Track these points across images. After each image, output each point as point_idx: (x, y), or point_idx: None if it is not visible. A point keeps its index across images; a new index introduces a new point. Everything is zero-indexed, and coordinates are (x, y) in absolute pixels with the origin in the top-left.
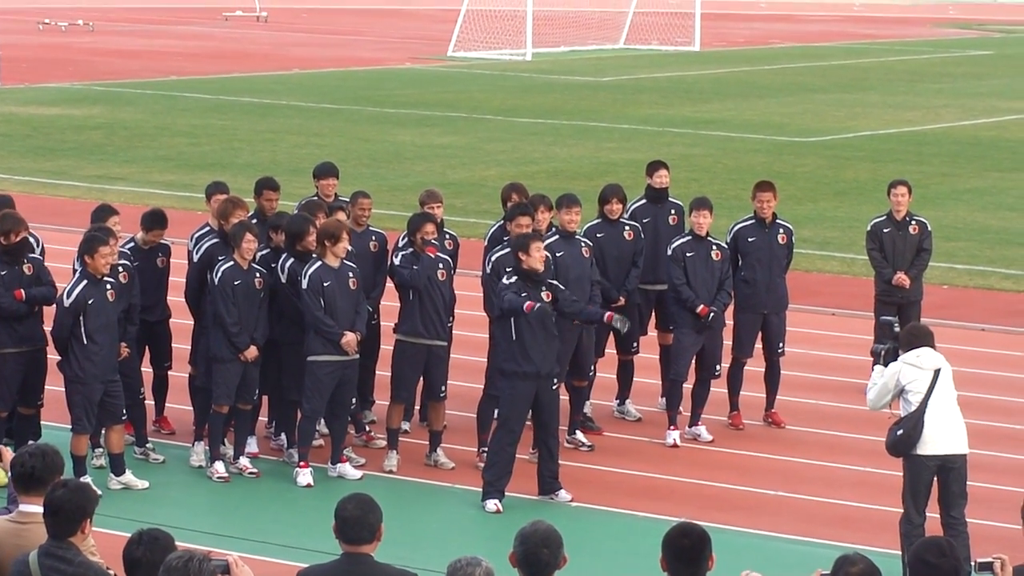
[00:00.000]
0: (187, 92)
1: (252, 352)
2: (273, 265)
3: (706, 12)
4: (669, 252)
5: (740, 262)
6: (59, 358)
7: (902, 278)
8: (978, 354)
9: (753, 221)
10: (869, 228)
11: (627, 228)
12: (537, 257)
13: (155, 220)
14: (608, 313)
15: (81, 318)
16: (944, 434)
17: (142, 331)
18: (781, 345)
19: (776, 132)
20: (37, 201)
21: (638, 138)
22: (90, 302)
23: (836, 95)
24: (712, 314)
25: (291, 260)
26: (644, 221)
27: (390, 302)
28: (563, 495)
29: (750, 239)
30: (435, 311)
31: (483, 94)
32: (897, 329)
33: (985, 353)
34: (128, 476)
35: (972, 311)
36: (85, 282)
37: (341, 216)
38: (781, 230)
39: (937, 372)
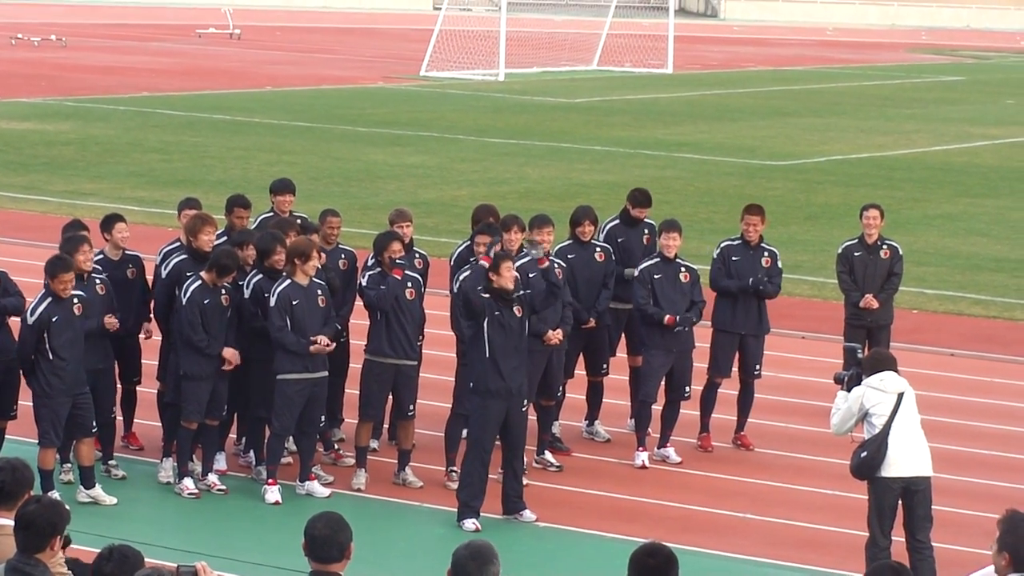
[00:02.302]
0: (159, 109)
1: (229, 352)
2: (240, 282)
3: (679, 35)
4: (636, 273)
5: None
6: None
7: (870, 300)
8: (947, 379)
9: (739, 242)
10: (840, 251)
11: (598, 250)
12: (507, 276)
13: (109, 219)
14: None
15: (45, 335)
16: (908, 456)
17: (112, 344)
18: (758, 367)
19: (748, 155)
20: (7, 216)
21: (610, 159)
22: (54, 319)
23: (808, 119)
24: (679, 327)
25: (258, 276)
26: (618, 240)
27: (360, 320)
28: (527, 515)
29: (734, 258)
30: (403, 331)
31: (455, 114)
32: (861, 355)
33: (954, 378)
34: (97, 490)
35: (942, 336)
36: (49, 299)
37: (314, 237)
38: (766, 253)
39: (900, 396)
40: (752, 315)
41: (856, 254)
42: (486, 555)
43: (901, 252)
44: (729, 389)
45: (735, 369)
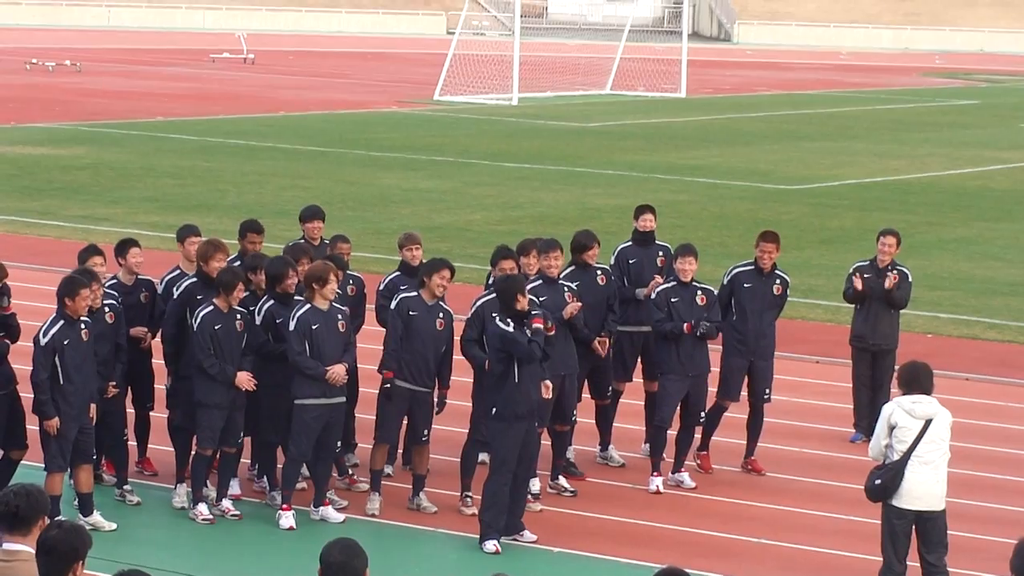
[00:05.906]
0: (173, 133)
1: (242, 376)
2: (252, 308)
3: (692, 59)
4: (652, 296)
5: (732, 305)
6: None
7: (892, 279)
8: (962, 403)
9: (752, 268)
10: (851, 271)
11: (599, 273)
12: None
13: (123, 244)
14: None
15: (57, 358)
16: (921, 491)
17: (123, 369)
18: (768, 391)
19: (762, 179)
20: (22, 241)
21: (624, 184)
22: (65, 342)
23: (822, 143)
24: (697, 331)
25: (270, 302)
26: (631, 262)
27: (368, 344)
28: (527, 535)
29: (746, 284)
30: (423, 359)
31: (469, 138)
32: None
33: (969, 402)
34: (96, 517)
35: (956, 360)
36: (61, 322)
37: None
38: (778, 280)
39: (928, 423)
40: (763, 340)
41: (865, 276)
42: None
43: (911, 279)
44: (739, 414)
45: (745, 394)
